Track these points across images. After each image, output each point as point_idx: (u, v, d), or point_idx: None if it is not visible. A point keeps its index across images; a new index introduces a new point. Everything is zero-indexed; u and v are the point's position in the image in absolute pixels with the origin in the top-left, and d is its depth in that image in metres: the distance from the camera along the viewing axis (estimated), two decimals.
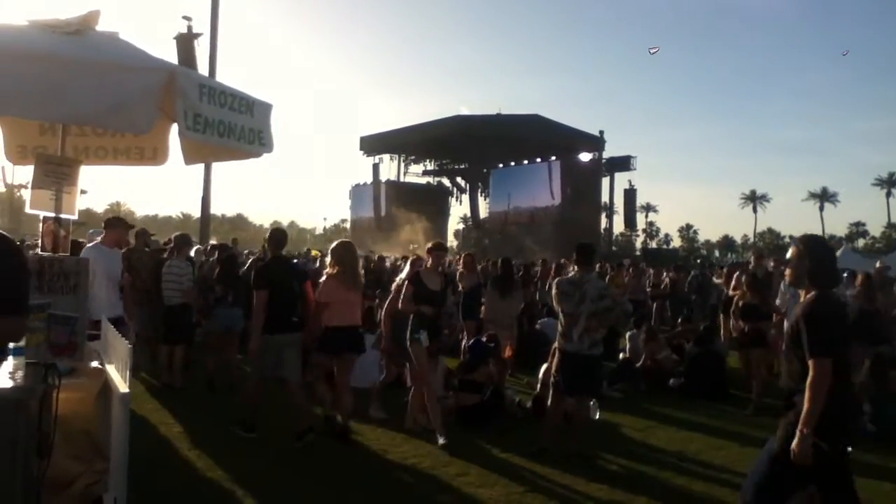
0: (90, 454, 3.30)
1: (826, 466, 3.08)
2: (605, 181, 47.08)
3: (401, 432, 6.32)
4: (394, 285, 7.36)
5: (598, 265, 11.12)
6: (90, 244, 6.64)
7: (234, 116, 3.90)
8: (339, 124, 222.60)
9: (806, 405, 3.05)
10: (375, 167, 51.87)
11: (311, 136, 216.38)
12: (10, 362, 2.75)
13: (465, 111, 51.86)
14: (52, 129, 4.64)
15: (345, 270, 6.03)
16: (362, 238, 42.80)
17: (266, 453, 5.58)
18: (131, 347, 3.32)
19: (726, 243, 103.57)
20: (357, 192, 55.72)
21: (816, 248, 3.35)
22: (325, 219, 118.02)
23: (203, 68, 15.32)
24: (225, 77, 35.88)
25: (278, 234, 6.35)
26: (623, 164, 45.54)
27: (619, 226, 59.44)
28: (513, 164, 50.78)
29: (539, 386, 7.33)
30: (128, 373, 3.22)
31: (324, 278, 6.21)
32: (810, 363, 3.09)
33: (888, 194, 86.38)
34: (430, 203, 52.30)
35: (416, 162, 55.69)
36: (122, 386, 3.21)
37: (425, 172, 56.78)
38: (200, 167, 14.84)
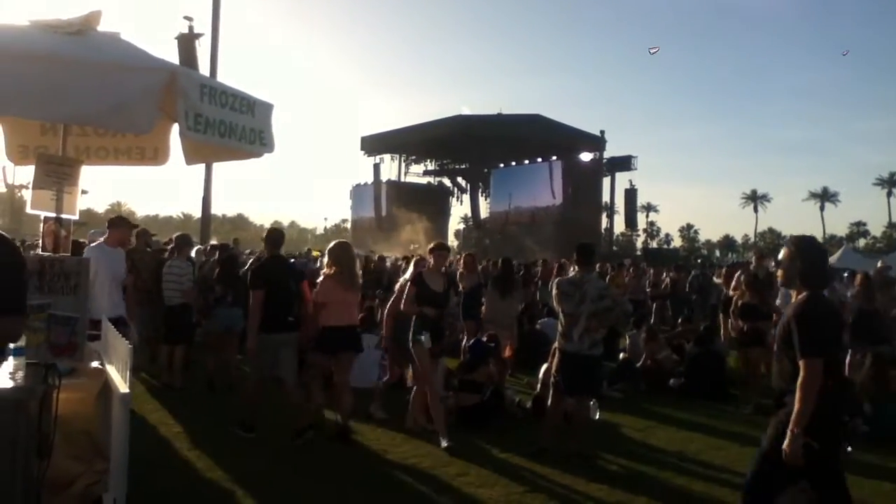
0: (90, 454, 3.31)
1: (817, 465, 3.09)
2: (606, 181, 47.24)
3: (401, 432, 6.32)
4: (397, 285, 7.37)
5: (598, 265, 11.11)
6: (92, 244, 6.63)
7: (235, 116, 3.91)
8: (339, 124, 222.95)
9: (797, 405, 3.06)
10: (376, 167, 51.88)
11: (312, 136, 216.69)
12: (10, 362, 2.76)
13: (466, 111, 51.78)
14: (54, 129, 4.65)
15: (342, 271, 6.04)
16: (363, 238, 42.88)
17: (266, 453, 5.58)
18: (132, 348, 3.32)
19: (727, 243, 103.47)
20: (358, 192, 55.74)
21: (808, 250, 3.35)
22: (325, 219, 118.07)
23: (204, 68, 15.33)
24: (226, 77, 35.90)
25: (275, 234, 6.37)
26: (624, 163, 45.58)
27: (619, 226, 59.71)
28: (513, 163, 50.77)
29: (539, 386, 7.32)
30: (128, 373, 3.22)
31: (321, 278, 6.23)
32: (801, 363, 3.10)
33: (889, 194, 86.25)
34: (431, 203, 52.28)
35: (417, 162, 55.67)
36: (123, 386, 3.22)
37: (426, 172, 56.80)
38: (201, 167, 14.81)
